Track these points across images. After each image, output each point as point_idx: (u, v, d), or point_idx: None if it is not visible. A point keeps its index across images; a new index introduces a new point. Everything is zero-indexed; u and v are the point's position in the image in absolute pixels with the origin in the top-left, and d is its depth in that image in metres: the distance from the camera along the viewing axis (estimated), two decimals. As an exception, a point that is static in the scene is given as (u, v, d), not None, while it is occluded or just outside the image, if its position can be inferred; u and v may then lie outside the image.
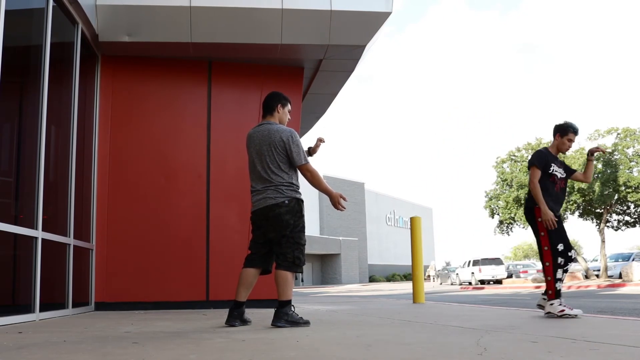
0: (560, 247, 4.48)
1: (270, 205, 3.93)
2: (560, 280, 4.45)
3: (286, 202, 3.93)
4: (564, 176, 4.75)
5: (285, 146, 3.97)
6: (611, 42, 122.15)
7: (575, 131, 4.72)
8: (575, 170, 4.98)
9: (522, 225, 23.27)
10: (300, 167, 4.01)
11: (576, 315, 4.37)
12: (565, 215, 22.46)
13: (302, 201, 4.06)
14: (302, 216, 4.02)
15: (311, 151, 4.50)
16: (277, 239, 3.97)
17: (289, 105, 4.26)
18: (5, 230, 4.21)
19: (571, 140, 4.72)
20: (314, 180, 4.04)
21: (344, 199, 4.12)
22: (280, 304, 3.91)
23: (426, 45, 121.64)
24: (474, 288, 22.65)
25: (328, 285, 38.50)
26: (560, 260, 4.46)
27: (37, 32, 5.05)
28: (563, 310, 4.38)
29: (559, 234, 4.53)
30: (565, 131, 4.72)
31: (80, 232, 5.95)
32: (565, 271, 4.51)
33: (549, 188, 4.63)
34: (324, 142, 4.55)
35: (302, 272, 4.14)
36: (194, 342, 3.04)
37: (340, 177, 43.12)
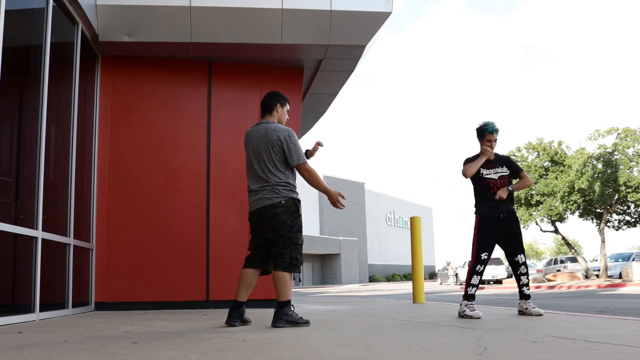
0: (484, 256, 4.64)
1: (267, 206, 3.92)
2: (473, 285, 4.65)
3: (283, 202, 3.92)
4: (505, 173, 4.78)
5: (282, 145, 3.96)
6: (611, 42, 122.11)
7: (490, 131, 4.76)
8: (518, 171, 4.90)
9: (522, 226, 23.26)
10: (298, 166, 4.01)
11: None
12: (565, 215, 22.46)
13: (299, 201, 4.05)
14: (299, 216, 4.01)
15: (308, 154, 4.46)
16: (274, 240, 3.96)
17: (287, 104, 4.25)
18: (5, 230, 4.21)
19: (490, 141, 4.77)
20: (311, 179, 4.04)
21: (343, 197, 4.10)
22: (280, 305, 3.91)
23: (426, 45, 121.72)
24: (474, 288, 22.64)
25: (328, 285, 38.50)
26: (479, 267, 4.63)
27: (37, 32, 5.05)
28: (464, 311, 4.58)
29: (486, 243, 4.67)
30: (481, 135, 4.82)
31: (80, 232, 5.95)
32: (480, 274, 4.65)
33: (485, 192, 4.75)
34: (322, 146, 4.54)
35: (299, 272, 4.14)
36: (194, 342, 3.04)
37: (340, 177, 43.12)
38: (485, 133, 4.78)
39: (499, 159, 4.87)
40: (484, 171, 4.78)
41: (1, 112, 4.74)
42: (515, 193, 23.21)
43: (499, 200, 4.70)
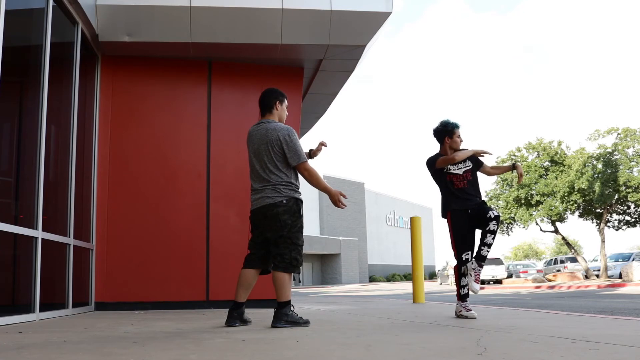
0: (465, 256, 4.56)
1: (268, 205, 3.91)
2: (464, 286, 4.61)
3: (284, 201, 3.91)
4: (469, 168, 4.73)
5: (282, 145, 3.95)
6: (611, 42, 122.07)
7: (458, 126, 4.81)
8: (482, 163, 4.88)
9: (522, 226, 23.27)
10: (297, 166, 3.99)
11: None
12: (565, 215, 22.46)
13: (301, 201, 4.04)
14: (300, 216, 4.00)
15: (312, 154, 4.45)
16: (274, 239, 3.95)
17: (286, 101, 4.24)
18: (5, 230, 4.21)
19: (459, 136, 4.81)
20: (312, 179, 4.02)
21: (344, 196, 4.09)
22: (280, 305, 3.91)
23: (425, 45, 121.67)
24: (474, 288, 22.62)
25: (328, 285, 38.49)
26: (464, 269, 4.58)
27: (37, 32, 5.05)
28: (460, 311, 4.64)
29: (465, 242, 4.60)
30: (451, 132, 4.79)
31: (80, 232, 5.94)
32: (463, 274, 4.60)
33: (450, 188, 4.72)
34: (325, 146, 4.52)
35: (299, 273, 4.13)
36: (194, 342, 3.04)
37: (340, 177, 43.11)
38: (455, 129, 4.79)
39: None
40: (451, 167, 4.72)
41: (1, 112, 4.74)
42: (515, 193, 22.97)
43: (468, 194, 4.65)
